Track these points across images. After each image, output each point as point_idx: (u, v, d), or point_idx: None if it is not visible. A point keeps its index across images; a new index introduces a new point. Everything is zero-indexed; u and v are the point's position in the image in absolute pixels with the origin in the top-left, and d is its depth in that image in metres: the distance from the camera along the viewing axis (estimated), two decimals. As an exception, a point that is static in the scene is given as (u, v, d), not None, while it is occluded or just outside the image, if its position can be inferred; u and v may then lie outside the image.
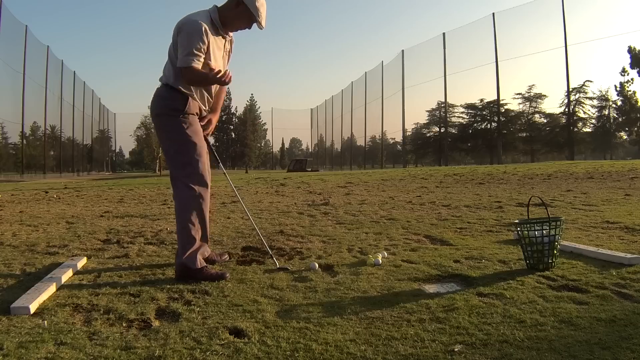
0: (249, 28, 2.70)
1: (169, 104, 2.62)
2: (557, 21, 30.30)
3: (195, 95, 2.67)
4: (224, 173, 3.20)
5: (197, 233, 2.63)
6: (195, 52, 2.48)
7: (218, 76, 2.51)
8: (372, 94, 48.26)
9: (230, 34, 2.76)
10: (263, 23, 2.66)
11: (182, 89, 2.61)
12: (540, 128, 43.66)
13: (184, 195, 2.61)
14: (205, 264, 2.65)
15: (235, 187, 3.16)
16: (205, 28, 2.52)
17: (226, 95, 3.11)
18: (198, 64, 2.50)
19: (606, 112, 42.79)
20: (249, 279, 2.55)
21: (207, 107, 2.82)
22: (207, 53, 2.56)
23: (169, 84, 2.63)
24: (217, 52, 2.66)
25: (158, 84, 2.73)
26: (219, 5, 2.68)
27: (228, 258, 3.06)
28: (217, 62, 2.65)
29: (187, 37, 2.50)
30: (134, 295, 2.30)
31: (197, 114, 2.72)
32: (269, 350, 1.63)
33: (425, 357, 1.56)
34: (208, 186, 2.69)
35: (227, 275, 2.57)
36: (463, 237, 3.67)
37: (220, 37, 2.68)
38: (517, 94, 43.87)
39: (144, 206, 6.70)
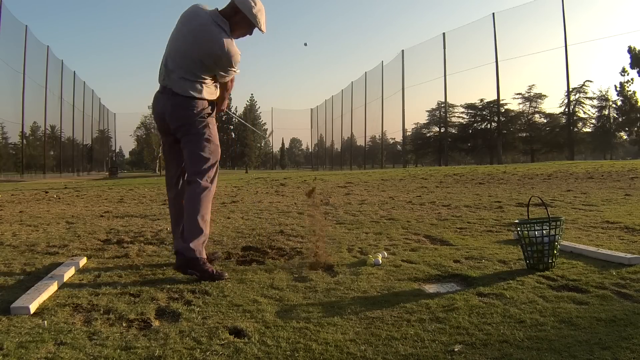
0: (250, 34, 2.78)
1: (200, 111, 2.68)
2: (557, 21, 30.25)
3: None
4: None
5: (207, 226, 2.67)
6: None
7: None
8: (372, 94, 48.15)
9: None
10: (263, 28, 2.74)
11: (207, 98, 2.71)
12: (540, 128, 43.61)
13: (204, 189, 2.68)
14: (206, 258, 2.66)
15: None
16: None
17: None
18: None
19: (606, 112, 42.77)
20: (249, 279, 2.55)
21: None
22: None
23: (194, 96, 2.65)
24: None
25: (157, 84, 2.73)
26: (219, 9, 2.69)
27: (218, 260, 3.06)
28: None
29: (233, 60, 2.67)
30: (134, 295, 2.30)
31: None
32: (269, 350, 1.63)
33: (425, 357, 1.56)
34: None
35: (226, 275, 2.58)
36: (463, 237, 3.67)
37: None
38: (517, 94, 43.87)
39: (144, 206, 6.70)
